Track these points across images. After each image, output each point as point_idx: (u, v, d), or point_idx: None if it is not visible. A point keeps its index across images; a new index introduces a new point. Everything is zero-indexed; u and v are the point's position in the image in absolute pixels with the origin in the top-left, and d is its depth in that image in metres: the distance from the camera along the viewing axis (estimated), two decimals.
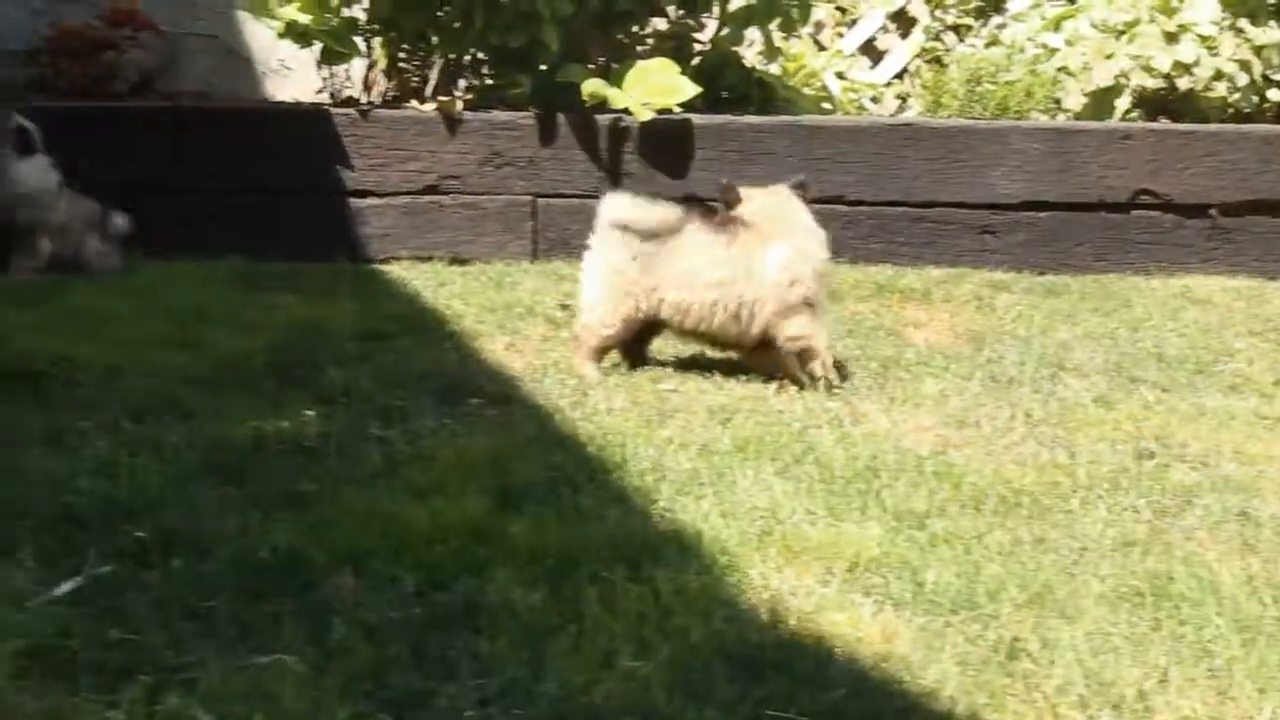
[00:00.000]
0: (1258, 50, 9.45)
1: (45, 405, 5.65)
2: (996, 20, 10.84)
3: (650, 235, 6.40)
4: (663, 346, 6.67)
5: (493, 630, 3.97)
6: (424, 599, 4.14)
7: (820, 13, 10.20)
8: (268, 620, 3.98)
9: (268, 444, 5.28)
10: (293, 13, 8.81)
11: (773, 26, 9.45)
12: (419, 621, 4.00)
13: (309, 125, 8.83)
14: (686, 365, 6.53)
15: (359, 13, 9.08)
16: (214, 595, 4.08)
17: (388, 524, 4.55)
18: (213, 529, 4.49)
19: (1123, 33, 9.57)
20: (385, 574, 4.26)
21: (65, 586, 4.12)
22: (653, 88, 8.67)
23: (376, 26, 9.16)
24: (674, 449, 5.42)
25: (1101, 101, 9.56)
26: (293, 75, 9.90)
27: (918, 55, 10.81)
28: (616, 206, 6.52)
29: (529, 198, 8.82)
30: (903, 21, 11.00)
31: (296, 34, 8.94)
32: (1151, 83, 9.42)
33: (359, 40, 9.10)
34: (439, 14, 9.00)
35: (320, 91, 9.44)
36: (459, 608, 4.08)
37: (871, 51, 10.99)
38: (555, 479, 5.05)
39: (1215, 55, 9.40)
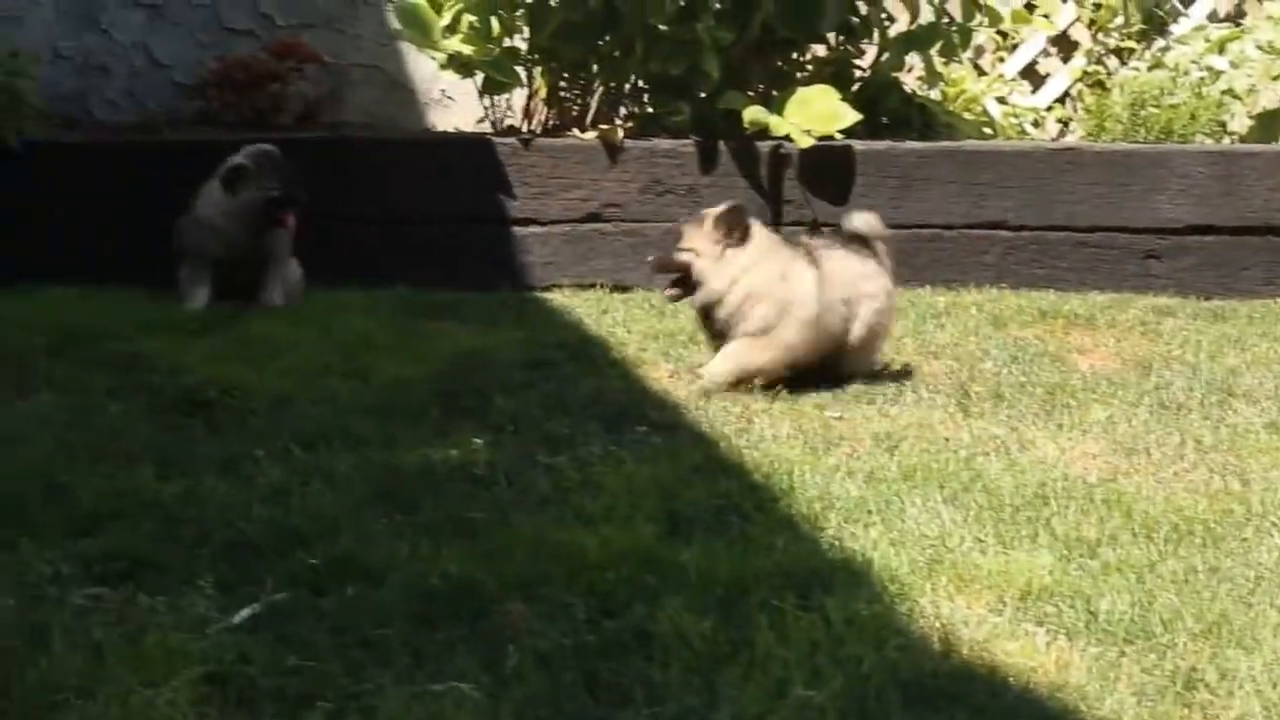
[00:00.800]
0: None
1: (218, 433, 5.73)
2: (1160, 43, 10.73)
3: None
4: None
5: (665, 658, 3.97)
6: (595, 626, 4.15)
7: (980, 37, 10.13)
8: (442, 648, 4.02)
9: (437, 472, 5.33)
10: (456, 44, 8.88)
11: (933, 52, 9.42)
12: (591, 649, 4.02)
13: (472, 154, 8.90)
14: (850, 393, 6.51)
15: (520, 43, 9.14)
16: (388, 623, 4.12)
17: (558, 551, 4.58)
18: (385, 556, 4.54)
19: None
20: (556, 601, 4.28)
21: (243, 613, 4.18)
22: (813, 114, 8.67)
23: (537, 56, 9.22)
24: (840, 476, 5.41)
25: (1268, 124, 9.45)
26: (454, 105, 9.98)
27: (1079, 79, 10.72)
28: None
29: None
30: (1064, 45, 10.91)
31: (459, 65, 9.02)
32: None
33: (520, 70, 9.16)
34: (599, 43, 9.04)
35: (481, 121, 9.51)
36: (630, 635, 4.09)
37: (1032, 76, 10.90)
38: (723, 506, 5.06)
39: None
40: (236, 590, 4.34)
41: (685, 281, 6.63)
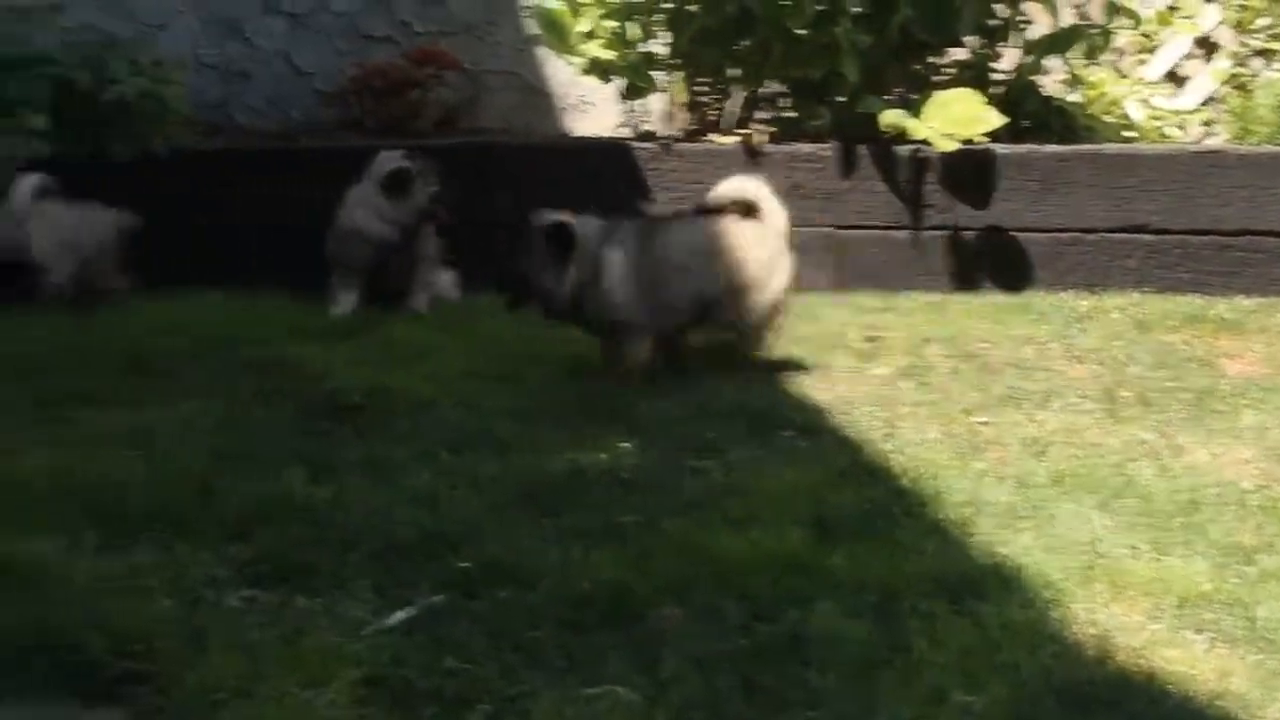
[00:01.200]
0: None
1: (365, 438, 5.76)
2: None
3: None
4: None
5: (820, 663, 3.95)
6: (748, 630, 4.14)
7: (1121, 39, 10.01)
8: (595, 651, 4.01)
9: (584, 476, 5.33)
10: (595, 49, 8.91)
11: (1074, 54, 9.34)
12: (746, 653, 4.01)
13: (610, 159, 8.90)
14: (995, 397, 6.46)
15: (658, 48, 9.15)
16: (541, 626, 4.13)
17: (707, 555, 4.56)
18: (535, 560, 4.54)
19: None
20: (708, 605, 4.27)
21: (398, 616, 4.20)
22: (954, 118, 8.60)
23: (676, 61, 9.21)
24: (989, 482, 5.36)
25: None
26: (591, 110, 9.99)
27: (1224, 81, 10.58)
28: None
29: (830, 229, 8.80)
30: (1207, 47, 10.77)
31: (598, 70, 9.04)
32: None
33: (658, 75, 9.17)
34: (738, 47, 9.02)
35: (619, 126, 9.53)
36: (785, 639, 4.08)
37: (1174, 78, 10.77)
38: (870, 511, 5.03)
39: None
40: (389, 593, 4.37)
41: None
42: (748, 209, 6.86)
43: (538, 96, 10.19)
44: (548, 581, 4.39)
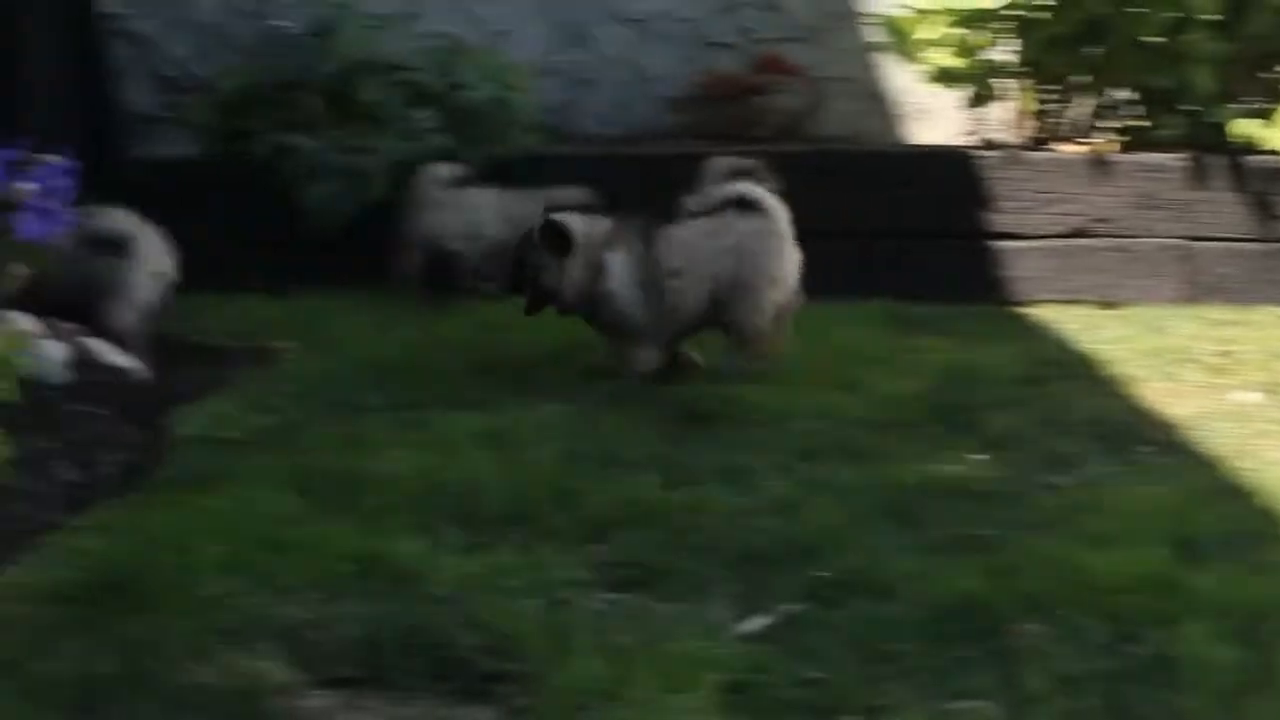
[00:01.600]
0: None
1: (720, 445, 5.79)
2: None
3: None
4: None
5: (1188, 686, 3.86)
6: (1113, 651, 4.06)
7: None
8: (958, 665, 3.97)
9: (939, 487, 5.30)
10: (940, 57, 8.86)
11: None
12: (1111, 673, 3.93)
13: (953, 168, 8.86)
14: None
15: (1004, 55, 9.07)
16: (902, 638, 4.10)
17: (1068, 572, 4.49)
18: (894, 571, 4.51)
19: None
20: (1071, 623, 4.20)
21: (758, 622, 4.21)
22: None
23: (1022, 69, 9.12)
24: None
25: None
26: (932, 118, 9.92)
27: None
28: None
29: (1180, 240, 8.64)
30: None
31: (942, 77, 8.99)
32: None
33: (1004, 83, 9.08)
34: (1086, 55, 8.90)
35: (962, 134, 9.45)
36: (1151, 661, 3.99)
37: None
38: (1234, 531, 4.91)
39: None
40: (748, 600, 4.37)
41: None
42: (745, 206, 6.76)
43: (878, 103, 10.14)
44: (907, 592, 4.37)
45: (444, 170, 8.30)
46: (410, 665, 3.94)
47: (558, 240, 6.64)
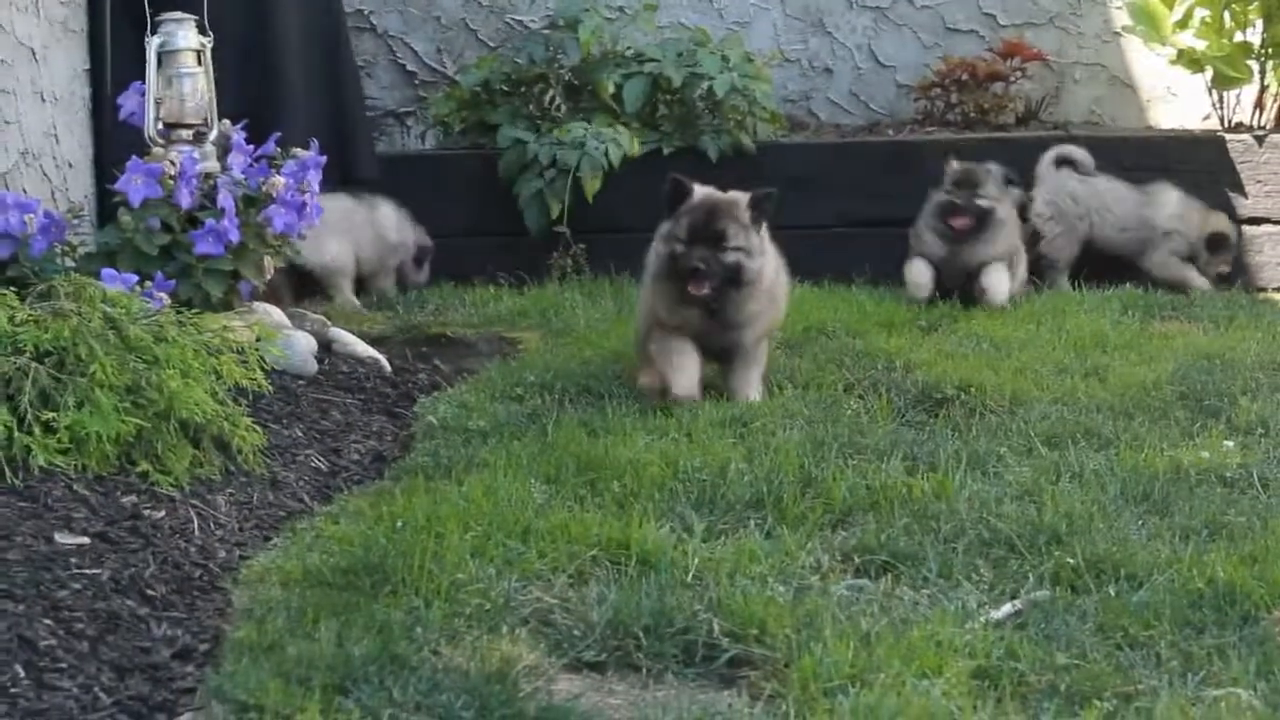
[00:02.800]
0: None
1: (958, 430, 5.76)
2: None
3: None
4: None
5: None
6: None
7: None
8: (1211, 652, 3.92)
9: (1188, 474, 5.22)
10: (1188, 39, 8.73)
11: None
12: None
13: (1200, 152, 8.76)
14: None
15: (1253, 37, 8.90)
16: (1153, 625, 4.04)
17: None
18: (1144, 558, 4.45)
19: None
20: None
21: (1005, 609, 4.17)
22: None
23: (1271, 50, 8.94)
24: None
25: None
26: (1177, 102, 9.76)
27: None
28: None
29: None
30: None
31: (1189, 60, 8.85)
32: None
33: (1252, 64, 8.92)
34: None
35: (1207, 118, 9.30)
36: None
37: None
38: None
39: None
40: (995, 586, 4.34)
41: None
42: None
43: (1122, 88, 10.00)
44: (1158, 579, 4.31)
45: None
46: (657, 649, 3.96)
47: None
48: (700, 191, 6.11)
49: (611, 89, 8.74)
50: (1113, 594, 4.24)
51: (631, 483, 5.07)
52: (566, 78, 9.05)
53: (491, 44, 9.77)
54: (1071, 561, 4.43)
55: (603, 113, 8.75)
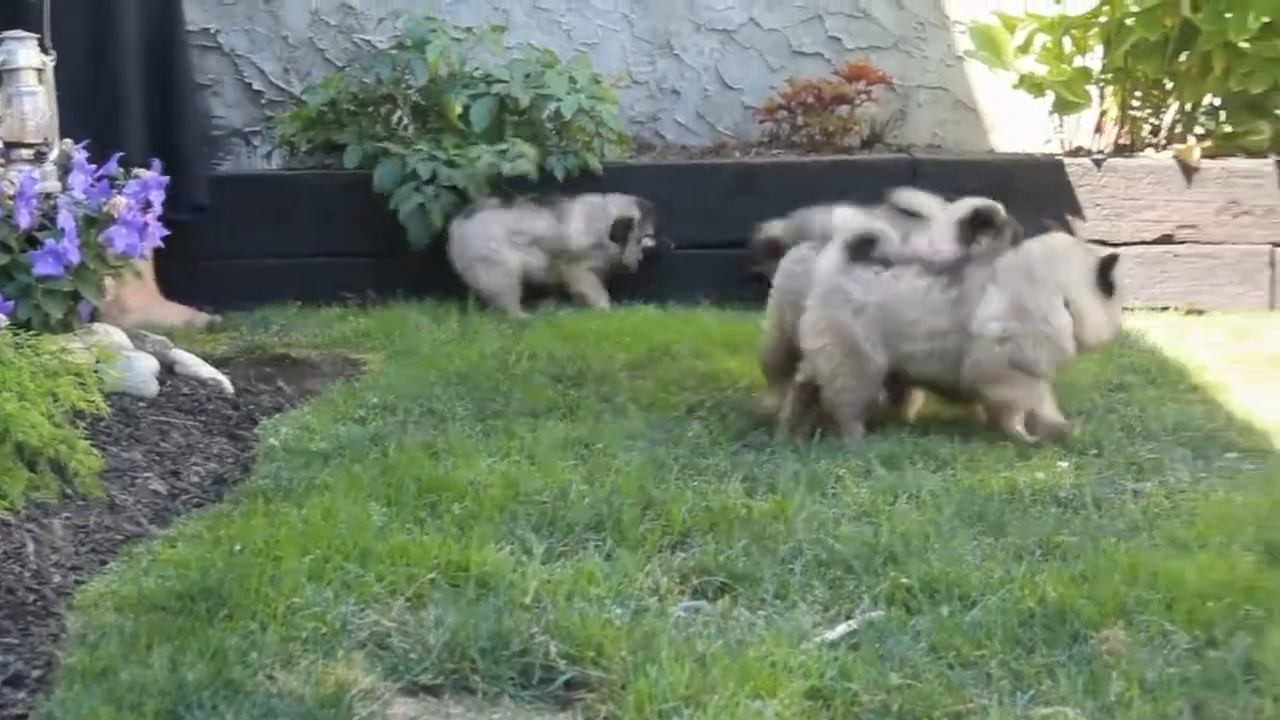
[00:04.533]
0: None
1: (798, 451, 5.78)
2: None
3: None
4: None
5: (1274, 691, 3.86)
6: (1199, 656, 4.05)
7: None
8: (1041, 671, 3.97)
9: (1022, 494, 5.28)
10: (1029, 64, 8.86)
11: None
12: (1196, 679, 3.92)
13: (1041, 175, 8.83)
14: None
15: (1092, 62, 9.05)
16: (985, 644, 4.10)
17: (1153, 578, 4.47)
18: (977, 578, 4.50)
19: None
20: (1155, 629, 4.19)
21: (840, 629, 4.21)
22: None
23: (1109, 76, 9.09)
24: None
25: None
26: (1019, 126, 9.88)
27: None
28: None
29: (1268, 247, 8.61)
30: None
31: (1031, 85, 8.98)
32: None
33: (1092, 90, 9.07)
34: (1176, 62, 8.86)
35: (1048, 142, 9.42)
36: (1236, 667, 3.97)
37: None
38: None
39: None
40: (831, 606, 4.38)
41: None
42: None
43: (966, 112, 10.12)
44: (991, 599, 4.36)
45: None
46: (494, 672, 3.96)
47: None
48: None
49: (459, 109, 8.73)
50: (946, 614, 4.29)
51: (472, 505, 5.08)
52: (414, 98, 9.04)
53: (339, 63, 9.73)
54: (906, 581, 4.48)
55: (450, 133, 8.73)
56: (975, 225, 6.73)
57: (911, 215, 6.99)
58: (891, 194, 7.26)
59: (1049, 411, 6.00)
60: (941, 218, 6.89)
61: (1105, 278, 5.96)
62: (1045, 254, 6.02)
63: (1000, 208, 6.85)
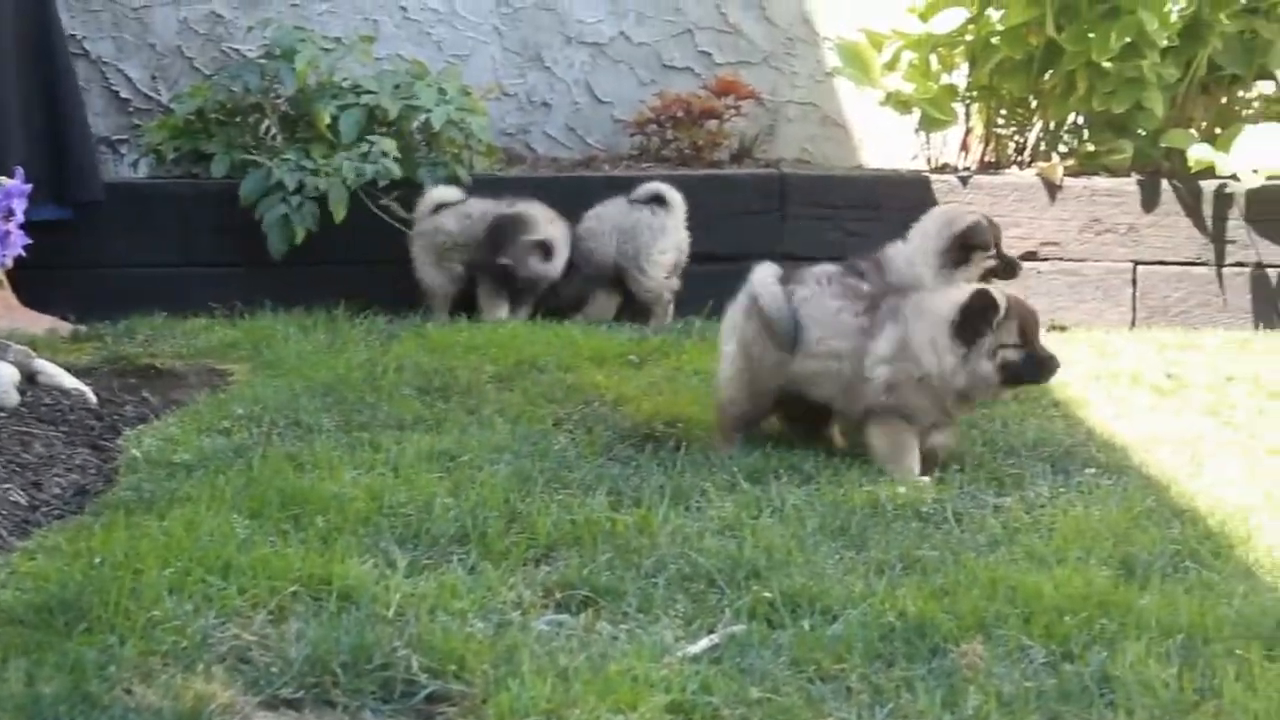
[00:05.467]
0: None
1: (665, 465, 5.81)
2: None
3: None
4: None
5: (1128, 704, 3.91)
6: (1055, 669, 4.10)
7: None
8: (900, 685, 4.01)
9: (884, 508, 5.33)
10: (895, 82, 8.94)
11: None
12: (1052, 693, 3.97)
13: (905, 191, 8.90)
14: None
15: (958, 80, 9.14)
16: (846, 658, 4.13)
17: (1012, 593, 4.53)
18: (838, 591, 4.54)
19: None
20: (1013, 643, 4.24)
21: (702, 643, 4.23)
22: (1261, 153, 8.47)
23: (975, 93, 9.19)
24: None
25: None
26: (887, 142, 9.96)
27: None
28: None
29: (1129, 265, 8.73)
30: None
31: (897, 102, 9.05)
32: None
33: (958, 107, 9.16)
34: (1040, 80, 8.97)
35: (915, 158, 9.51)
36: (1092, 680, 4.02)
37: None
38: (1178, 552, 4.96)
39: None
40: (694, 620, 4.40)
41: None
42: None
43: (834, 128, 10.19)
44: (852, 613, 4.39)
45: None
46: (356, 686, 3.95)
47: None
48: None
49: (328, 119, 8.69)
50: (807, 628, 4.32)
51: (336, 517, 5.05)
52: (283, 108, 9.00)
53: (207, 72, 9.67)
54: (769, 595, 4.50)
55: (319, 143, 8.69)
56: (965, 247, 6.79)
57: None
58: None
59: (941, 440, 5.97)
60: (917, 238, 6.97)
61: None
62: (945, 295, 5.98)
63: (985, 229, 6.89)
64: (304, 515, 5.08)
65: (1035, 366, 5.83)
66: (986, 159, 9.28)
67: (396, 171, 8.50)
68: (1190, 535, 5.12)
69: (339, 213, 8.45)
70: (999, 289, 5.95)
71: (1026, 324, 5.79)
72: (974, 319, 5.74)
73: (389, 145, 8.52)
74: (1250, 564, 4.90)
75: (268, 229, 8.46)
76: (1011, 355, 5.76)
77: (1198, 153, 8.57)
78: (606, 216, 8.60)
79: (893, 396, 5.82)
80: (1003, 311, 5.73)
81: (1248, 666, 4.09)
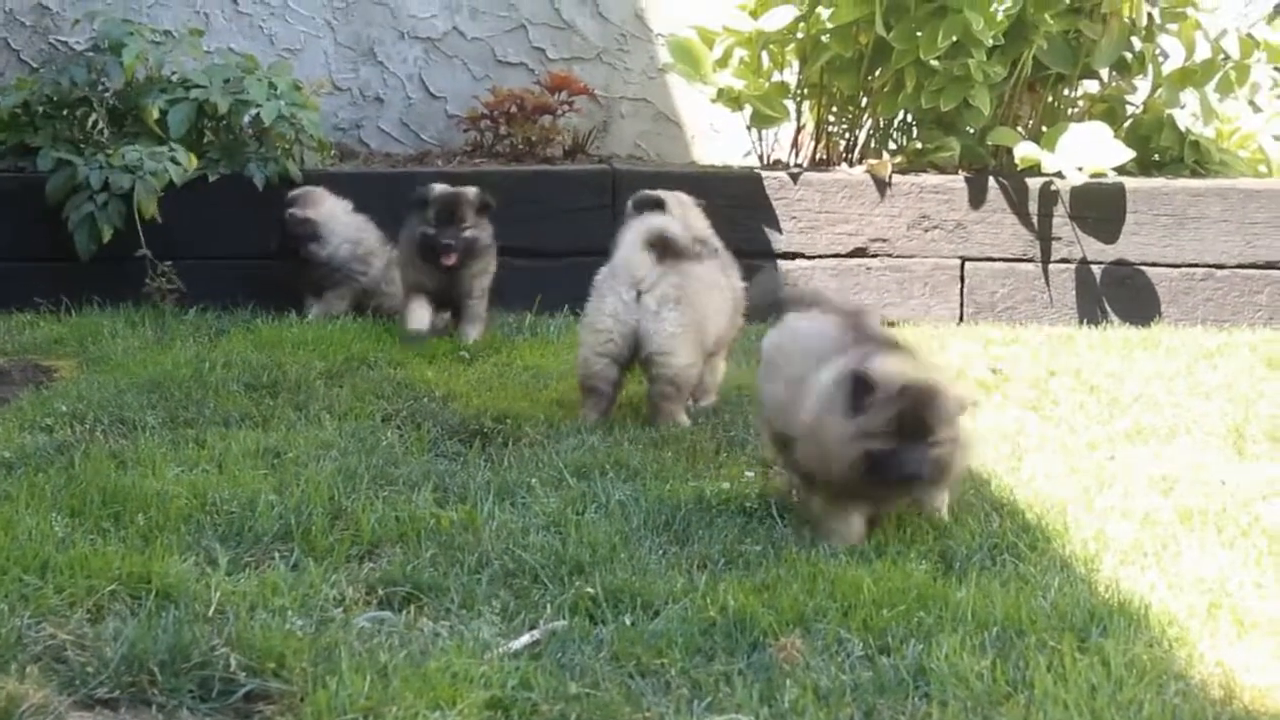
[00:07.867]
0: None
1: (492, 461, 5.82)
2: None
3: None
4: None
5: (942, 696, 3.97)
6: (871, 663, 4.15)
7: (1259, 74, 9.91)
8: (719, 679, 4.05)
9: (709, 503, 5.35)
10: (727, 78, 8.97)
11: (1209, 89, 9.28)
12: (868, 686, 4.02)
13: (737, 188, 8.95)
14: (1122, 433, 6.43)
15: (789, 77, 9.20)
16: (666, 653, 4.16)
17: (832, 587, 4.58)
18: (660, 587, 4.57)
19: None
20: (832, 636, 4.28)
21: (523, 639, 4.24)
22: (1085, 151, 8.61)
23: (806, 91, 9.26)
24: (1115, 518, 5.36)
25: None
26: (720, 139, 10.02)
27: None
28: None
29: (957, 261, 8.83)
30: None
31: (729, 99, 9.09)
32: None
33: (788, 104, 9.21)
34: (870, 78, 9.05)
35: (748, 155, 9.55)
36: (907, 673, 4.08)
37: None
38: (996, 545, 5.03)
39: None
40: (516, 617, 4.41)
41: None
42: None
43: (667, 124, 10.25)
44: (673, 608, 4.43)
45: None
46: (173, 685, 3.94)
47: None
48: None
49: (156, 114, 8.60)
50: (629, 623, 4.35)
51: (158, 515, 5.03)
52: (110, 102, 8.89)
53: (34, 64, 9.54)
54: (591, 591, 4.53)
55: (148, 138, 8.61)
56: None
57: None
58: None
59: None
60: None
61: None
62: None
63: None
64: (125, 513, 5.05)
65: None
66: (818, 156, 9.35)
67: (177, 178, 8.41)
68: (1008, 529, 5.19)
69: (148, 209, 8.35)
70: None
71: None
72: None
73: (181, 154, 8.44)
74: (1066, 557, 4.97)
75: (74, 229, 8.35)
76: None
77: (1024, 150, 8.69)
78: None
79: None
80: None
81: (1059, 658, 4.16)
